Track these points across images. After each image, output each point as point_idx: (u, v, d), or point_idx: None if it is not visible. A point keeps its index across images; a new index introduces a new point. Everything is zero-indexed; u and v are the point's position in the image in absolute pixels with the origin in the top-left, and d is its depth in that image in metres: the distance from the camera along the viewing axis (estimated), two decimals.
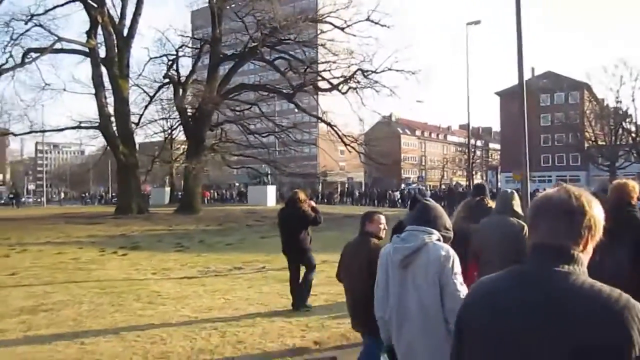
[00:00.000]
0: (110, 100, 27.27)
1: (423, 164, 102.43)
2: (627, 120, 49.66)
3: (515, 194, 5.06)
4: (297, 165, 72.43)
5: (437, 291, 2.93)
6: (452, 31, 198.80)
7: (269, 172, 40.88)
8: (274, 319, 7.02)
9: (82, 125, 26.72)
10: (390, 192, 48.66)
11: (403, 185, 76.81)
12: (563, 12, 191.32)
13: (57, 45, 26.95)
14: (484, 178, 75.19)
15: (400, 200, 44.31)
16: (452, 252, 3.02)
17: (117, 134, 26.83)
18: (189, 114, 29.86)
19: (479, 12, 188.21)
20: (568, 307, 1.36)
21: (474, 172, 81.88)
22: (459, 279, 2.96)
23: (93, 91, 26.18)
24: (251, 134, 34.38)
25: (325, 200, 48.47)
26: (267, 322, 6.87)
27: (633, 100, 47.68)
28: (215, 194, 61.15)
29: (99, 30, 26.89)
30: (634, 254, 3.56)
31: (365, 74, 25.10)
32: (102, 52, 27.41)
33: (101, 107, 25.81)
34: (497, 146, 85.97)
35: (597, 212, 1.51)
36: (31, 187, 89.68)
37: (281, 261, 10.93)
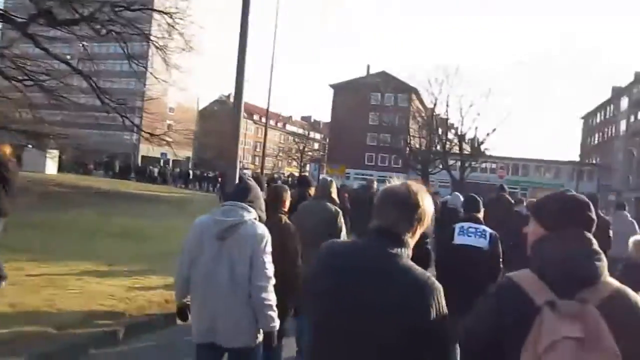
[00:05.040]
0: None
1: (257, 150, 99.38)
2: (449, 129, 50.38)
3: (334, 182, 5.70)
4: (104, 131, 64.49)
5: (248, 266, 3.13)
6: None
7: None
8: None
9: None
10: (150, 167, 48.06)
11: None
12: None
13: None
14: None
15: (160, 178, 44.92)
16: (267, 232, 3.24)
17: None
18: None
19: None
20: (391, 280, 1.86)
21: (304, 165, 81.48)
22: (268, 258, 3.20)
23: None
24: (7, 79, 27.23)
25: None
26: None
27: (447, 108, 48.14)
28: None
29: None
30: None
31: (116, 10, 19.66)
32: None
33: None
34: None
35: (427, 206, 1.98)
36: None
37: None
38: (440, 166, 47.36)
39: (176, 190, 36.72)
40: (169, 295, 6.55)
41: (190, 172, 50.33)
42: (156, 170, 46.92)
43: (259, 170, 73.39)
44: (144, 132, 24.68)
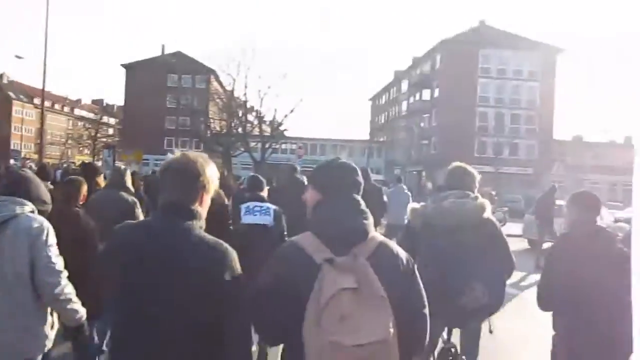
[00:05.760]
0: None
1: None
2: (249, 112, 50.16)
3: (128, 170, 5.44)
4: None
5: (27, 266, 2.77)
6: None
7: None
8: None
9: None
10: None
11: (12, 161, 64.53)
12: None
13: None
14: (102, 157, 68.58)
15: None
16: (46, 224, 2.89)
17: None
18: None
19: None
20: (184, 254, 1.83)
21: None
22: (53, 251, 2.86)
23: None
24: None
25: None
26: None
27: (245, 90, 47.83)
28: None
29: None
30: None
31: None
32: None
33: None
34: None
35: (210, 173, 1.98)
36: None
37: None
38: (242, 148, 47.19)
39: None
40: None
41: None
42: None
43: (42, 161, 65.91)
44: None
